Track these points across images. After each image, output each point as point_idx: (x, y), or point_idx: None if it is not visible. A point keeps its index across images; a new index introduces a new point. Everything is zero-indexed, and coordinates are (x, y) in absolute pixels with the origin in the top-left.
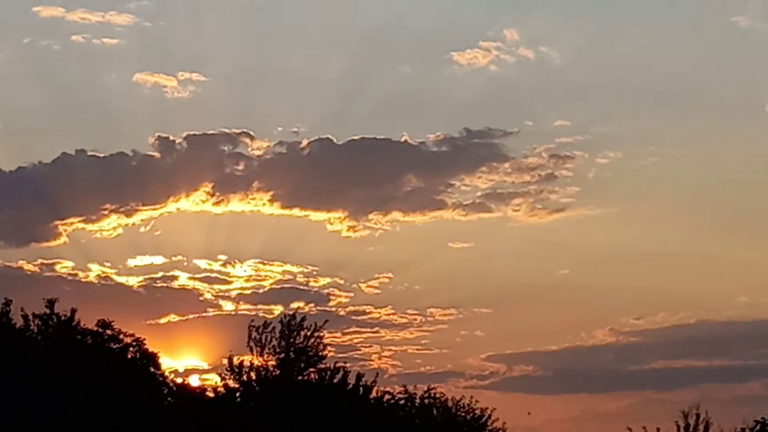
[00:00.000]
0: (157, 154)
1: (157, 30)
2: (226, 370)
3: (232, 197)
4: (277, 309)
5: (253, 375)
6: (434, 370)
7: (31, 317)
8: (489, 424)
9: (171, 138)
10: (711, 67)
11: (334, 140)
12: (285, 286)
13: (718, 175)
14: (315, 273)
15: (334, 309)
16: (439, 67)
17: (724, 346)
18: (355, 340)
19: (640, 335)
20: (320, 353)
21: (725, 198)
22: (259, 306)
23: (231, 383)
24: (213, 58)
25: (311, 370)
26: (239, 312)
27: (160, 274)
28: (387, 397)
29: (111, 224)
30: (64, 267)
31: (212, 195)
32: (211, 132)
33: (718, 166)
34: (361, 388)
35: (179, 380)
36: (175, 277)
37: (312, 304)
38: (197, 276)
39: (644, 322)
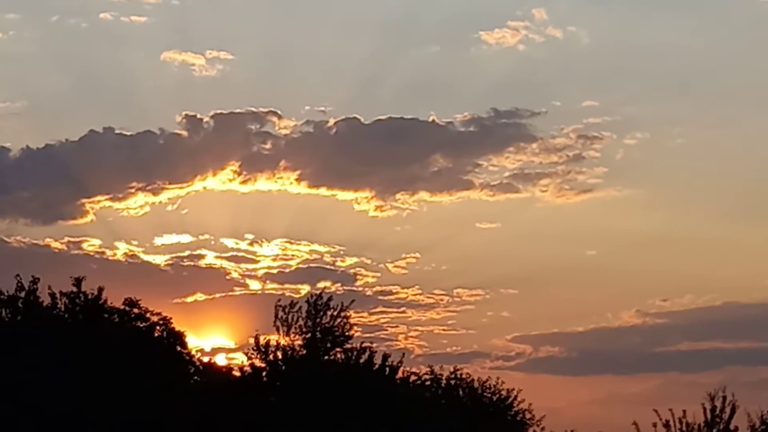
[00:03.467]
0: (184, 133)
1: (185, 8)
2: (253, 349)
3: (259, 176)
4: (304, 288)
5: (279, 354)
6: (460, 351)
7: (58, 295)
8: (515, 405)
9: (198, 116)
10: (739, 48)
11: (362, 120)
12: (312, 265)
13: (746, 157)
14: (342, 253)
15: (360, 289)
16: (467, 47)
17: (750, 328)
18: (382, 320)
19: (667, 317)
20: (346, 333)
21: (753, 180)
22: (286, 285)
23: (257, 363)
24: (241, 36)
25: (337, 350)
26: (266, 291)
27: (187, 252)
28: (413, 377)
29: (138, 202)
30: (91, 245)
31: (239, 174)
32: (239, 111)
33: (746, 148)
34: (387, 369)
35: (206, 359)
36: (201, 256)
37: (339, 284)
38: (224, 255)
39: (671, 303)
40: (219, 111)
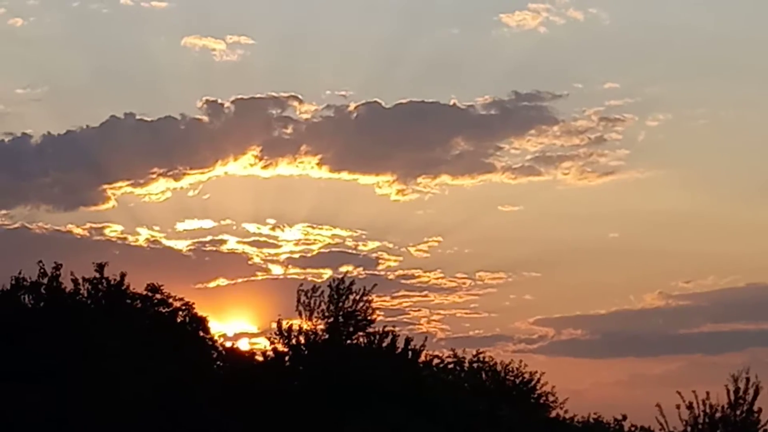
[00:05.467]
0: (205, 118)
1: None
2: (275, 334)
3: (281, 161)
4: (326, 273)
5: (302, 339)
6: (483, 334)
7: (80, 281)
8: (538, 387)
9: (219, 101)
10: (763, 27)
11: (382, 103)
12: (334, 249)
13: None
14: (364, 237)
15: (383, 273)
16: (488, 29)
17: None
18: (404, 304)
19: (690, 299)
20: (369, 317)
21: None
22: (308, 270)
23: (280, 347)
24: (261, 21)
25: (360, 334)
26: (288, 276)
27: (209, 238)
28: (436, 361)
29: (159, 188)
30: (113, 231)
31: (260, 158)
32: (259, 96)
33: None
34: (409, 353)
35: (229, 344)
36: (223, 241)
37: (361, 268)
38: (246, 240)
39: (693, 285)
40: (240, 96)
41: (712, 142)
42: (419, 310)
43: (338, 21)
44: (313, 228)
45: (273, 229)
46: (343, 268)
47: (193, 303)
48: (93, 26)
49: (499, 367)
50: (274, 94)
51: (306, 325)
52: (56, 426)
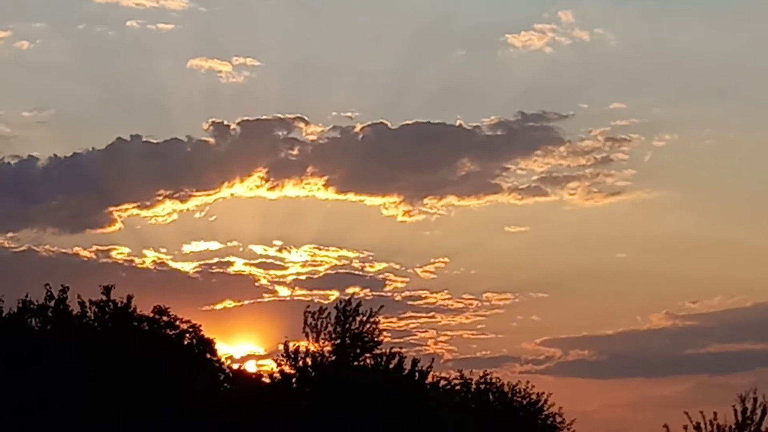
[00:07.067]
0: (211, 140)
1: (212, 15)
2: (282, 356)
3: (287, 182)
4: (333, 294)
5: (308, 361)
6: (490, 355)
7: (87, 304)
8: (545, 408)
9: (225, 123)
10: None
11: (389, 125)
12: (340, 271)
13: None
14: (371, 258)
15: (389, 294)
16: (494, 50)
17: None
18: (411, 326)
19: (696, 319)
20: (376, 339)
21: None
22: (315, 291)
23: (287, 369)
24: (267, 43)
25: (367, 355)
26: (295, 297)
27: (216, 260)
28: (443, 382)
29: (166, 210)
30: (119, 253)
31: (267, 180)
32: (265, 117)
33: None
34: (416, 374)
35: (235, 366)
36: (230, 263)
37: (368, 290)
38: (253, 262)
39: (700, 305)
40: (246, 118)
41: (719, 162)
42: (426, 332)
43: (345, 43)
44: (320, 249)
45: (280, 250)
46: (350, 290)
47: (200, 325)
48: (99, 49)
49: (506, 388)
50: (280, 115)
51: (313, 347)
52: None
